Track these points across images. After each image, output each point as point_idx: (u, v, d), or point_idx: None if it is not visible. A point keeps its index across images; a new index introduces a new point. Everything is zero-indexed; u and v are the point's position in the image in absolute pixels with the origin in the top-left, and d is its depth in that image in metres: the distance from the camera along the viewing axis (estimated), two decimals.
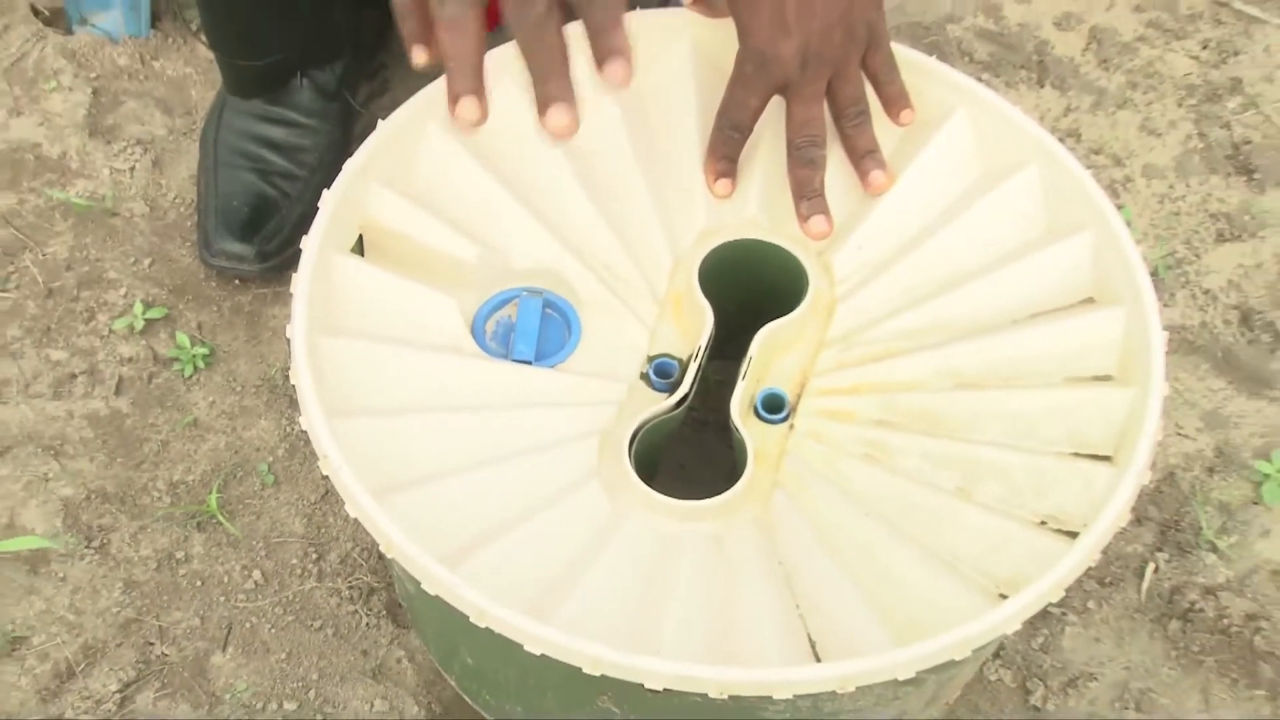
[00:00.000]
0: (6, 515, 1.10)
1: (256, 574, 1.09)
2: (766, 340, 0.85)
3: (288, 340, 0.79)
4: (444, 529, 0.78)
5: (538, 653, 0.69)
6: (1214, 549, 1.12)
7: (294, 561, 1.09)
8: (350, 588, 1.08)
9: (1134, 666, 1.08)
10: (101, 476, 1.12)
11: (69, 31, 1.36)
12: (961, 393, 0.84)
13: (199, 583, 1.08)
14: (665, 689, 0.69)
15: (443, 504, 0.79)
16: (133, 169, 1.28)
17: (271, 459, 1.14)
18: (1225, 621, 1.08)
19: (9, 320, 1.19)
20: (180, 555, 1.09)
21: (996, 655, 1.07)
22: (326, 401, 0.77)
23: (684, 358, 0.86)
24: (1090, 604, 1.10)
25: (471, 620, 0.71)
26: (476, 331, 0.86)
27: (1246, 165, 1.33)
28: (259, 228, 1.20)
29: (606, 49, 0.66)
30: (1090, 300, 0.88)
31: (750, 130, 0.89)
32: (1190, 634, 1.08)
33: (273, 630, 1.07)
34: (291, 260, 1.22)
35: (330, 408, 0.77)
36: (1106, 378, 0.85)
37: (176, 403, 1.17)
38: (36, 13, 1.37)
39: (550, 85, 0.66)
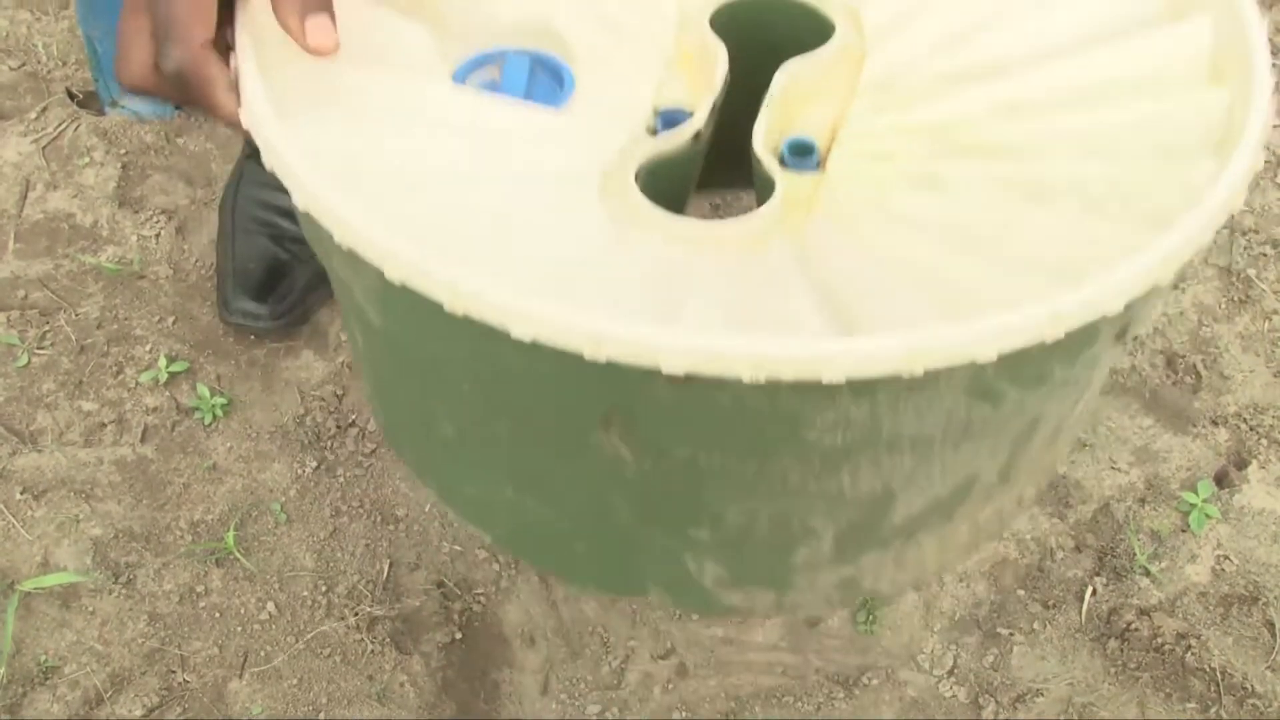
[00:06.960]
0: (41, 554, 1.08)
1: (270, 606, 1.07)
2: (788, 84, 0.67)
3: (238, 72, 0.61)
4: (419, 239, 0.56)
5: (528, 338, 0.51)
6: (1147, 573, 1.11)
7: (305, 594, 1.08)
8: (356, 617, 1.06)
9: (1076, 682, 1.06)
10: (128, 517, 1.11)
11: (101, 113, 1.36)
12: (1023, 121, 0.67)
13: (218, 614, 1.06)
14: (688, 377, 0.51)
15: (416, 216, 0.60)
16: (158, 236, 1.27)
17: (284, 499, 1.13)
18: (1159, 640, 1.07)
19: (45, 375, 1.18)
20: (200, 589, 1.07)
21: (950, 673, 1.06)
22: (277, 104, 0.59)
23: (694, 110, 0.68)
24: (1035, 625, 1.09)
25: (445, 309, 0.52)
26: None
27: None
28: (272, 288, 1.19)
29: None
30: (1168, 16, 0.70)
31: None
32: (1127, 652, 1.07)
33: (285, 658, 1.05)
34: (302, 318, 1.21)
35: (282, 112, 0.58)
36: (1195, 86, 0.67)
37: (197, 449, 1.15)
38: (72, 96, 1.37)
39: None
